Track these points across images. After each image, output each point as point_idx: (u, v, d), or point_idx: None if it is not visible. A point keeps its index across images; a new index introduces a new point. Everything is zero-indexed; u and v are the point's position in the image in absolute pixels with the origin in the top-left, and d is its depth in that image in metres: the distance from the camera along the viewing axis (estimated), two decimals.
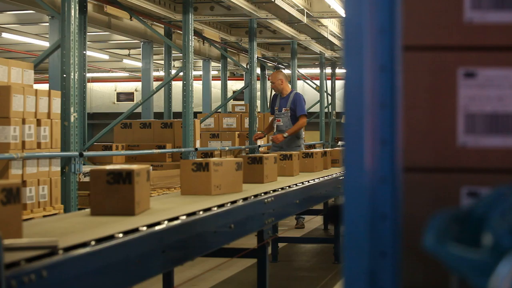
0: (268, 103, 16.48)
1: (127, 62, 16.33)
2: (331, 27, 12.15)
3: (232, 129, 12.16)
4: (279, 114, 9.51)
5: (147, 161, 8.85)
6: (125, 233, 3.01)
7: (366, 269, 1.30)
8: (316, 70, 18.53)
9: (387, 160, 1.35)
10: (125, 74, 19.61)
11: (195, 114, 9.95)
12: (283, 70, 17.57)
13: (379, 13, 1.37)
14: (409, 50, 1.40)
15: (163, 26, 10.84)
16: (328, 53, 15.62)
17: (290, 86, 9.67)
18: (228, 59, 14.26)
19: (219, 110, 13.11)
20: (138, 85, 20.85)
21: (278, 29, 11.79)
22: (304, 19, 10.00)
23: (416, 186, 1.38)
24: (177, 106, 11.85)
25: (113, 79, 20.08)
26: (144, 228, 3.18)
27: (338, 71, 18.73)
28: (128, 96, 20.47)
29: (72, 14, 6.01)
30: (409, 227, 1.36)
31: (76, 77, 6.07)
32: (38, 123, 5.59)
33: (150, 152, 8.21)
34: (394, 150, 1.35)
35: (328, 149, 8.90)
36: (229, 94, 14.94)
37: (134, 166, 3.68)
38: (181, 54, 13.61)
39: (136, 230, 3.13)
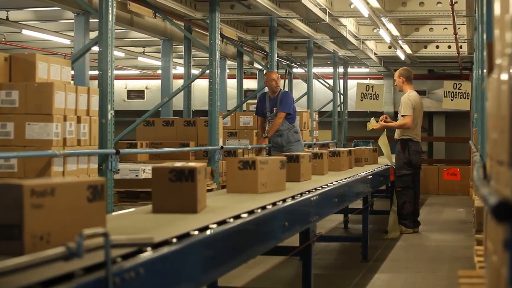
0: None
1: (141, 60, 16.33)
2: (349, 27, 12.14)
3: (249, 127, 12.14)
4: (272, 115, 9.47)
5: (170, 159, 8.84)
6: (200, 230, 3.02)
7: None
8: (327, 69, 18.54)
9: None
10: (136, 71, 19.60)
11: None
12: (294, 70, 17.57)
13: None
14: None
15: (182, 24, 10.82)
16: (341, 52, 15.61)
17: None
18: (242, 58, 14.28)
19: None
20: (148, 83, 20.85)
21: (296, 27, 11.78)
22: (326, 18, 10.00)
23: None
24: (193, 104, 11.85)
25: (123, 77, 20.08)
26: (214, 225, 3.19)
27: (351, 70, 18.72)
28: (139, 94, 20.45)
29: (110, 11, 6.02)
30: None
31: (113, 74, 6.08)
32: (78, 120, 5.59)
33: (180, 150, 8.26)
34: None
35: (352, 148, 8.91)
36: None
37: (194, 164, 3.69)
38: (198, 52, 13.58)
39: (207, 228, 3.14)
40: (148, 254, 2.46)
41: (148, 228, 3.11)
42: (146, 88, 20.80)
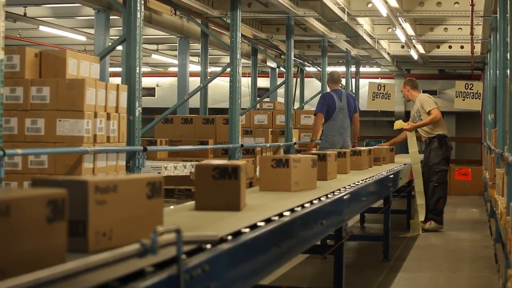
0: (293, 101, 16.44)
1: (155, 57, 16.33)
2: (365, 26, 12.12)
3: (264, 125, 12.16)
4: None
5: (188, 156, 8.85)
6: (251, 228, 3.02)
7: None
8: (338, 68, 18.50)
9: None
10: (147, 69, 19.58)
11: (224, 111, 9.92)
12: (312, 69, 17.58)
13: None
14: None
15: (199, 21, 10.82)
16: (354, 51, 15.60)
17: (333, 86, 9.47)
18: (257, 56, 14.27)
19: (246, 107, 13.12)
20: (159, 80, 20.84)
21: (311, 26, 11.76)
22: (345, 17, 9.99)
23: None
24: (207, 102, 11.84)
25: None
26: (262, 223, 3.19)
27: (362, 69, 18.70)
28: (149, 92, 20.43)
29: (139, 8, 6.02)
30: None
31: (141, 71, 6.08)
32: (108, 117, 5.60)
33: (203, 147, 8.27)
34: None
35: (372, 147, 8.90)
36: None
37: (238, 162, 3.70)
38: (211, 50, 13.57)
39: (255, 225, 3.14)
40: (210, 251, 2.46)
41: (197, 225, 3.11)
42: (157, 85, 20.80)
